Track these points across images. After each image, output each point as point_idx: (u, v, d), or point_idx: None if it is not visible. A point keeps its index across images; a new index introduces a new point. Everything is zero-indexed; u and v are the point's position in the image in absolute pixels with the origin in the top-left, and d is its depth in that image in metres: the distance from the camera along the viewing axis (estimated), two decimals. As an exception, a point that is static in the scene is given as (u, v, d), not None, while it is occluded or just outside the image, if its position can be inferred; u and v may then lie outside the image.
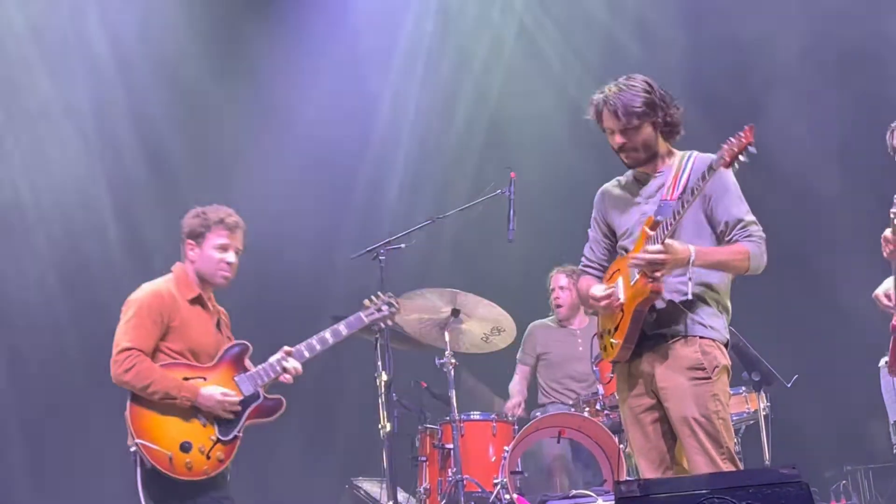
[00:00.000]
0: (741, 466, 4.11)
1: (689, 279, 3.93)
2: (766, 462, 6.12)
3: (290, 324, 7.50)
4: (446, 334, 6.31)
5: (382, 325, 5.38)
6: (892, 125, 4.90)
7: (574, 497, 5.87)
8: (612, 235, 4.33)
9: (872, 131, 5.04)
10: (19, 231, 8.25)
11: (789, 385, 6.36)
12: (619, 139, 4.11)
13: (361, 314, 5.23)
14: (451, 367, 6.20)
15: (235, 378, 4.86)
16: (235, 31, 9.10)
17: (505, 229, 6.05)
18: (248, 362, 4.94)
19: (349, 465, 7.67)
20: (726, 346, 4.12)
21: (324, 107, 9.13)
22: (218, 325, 5.01)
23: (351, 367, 7.85)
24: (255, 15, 9.17)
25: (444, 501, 6.11)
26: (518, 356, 7.31)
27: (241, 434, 4.79)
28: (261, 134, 9.07)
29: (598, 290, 4.19)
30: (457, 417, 6.12)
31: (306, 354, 5.01)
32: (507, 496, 5.93)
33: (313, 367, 8.33)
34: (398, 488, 6.03)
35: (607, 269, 4.32)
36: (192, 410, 4.71)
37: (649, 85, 4.11)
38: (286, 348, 4.98)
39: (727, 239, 4.06)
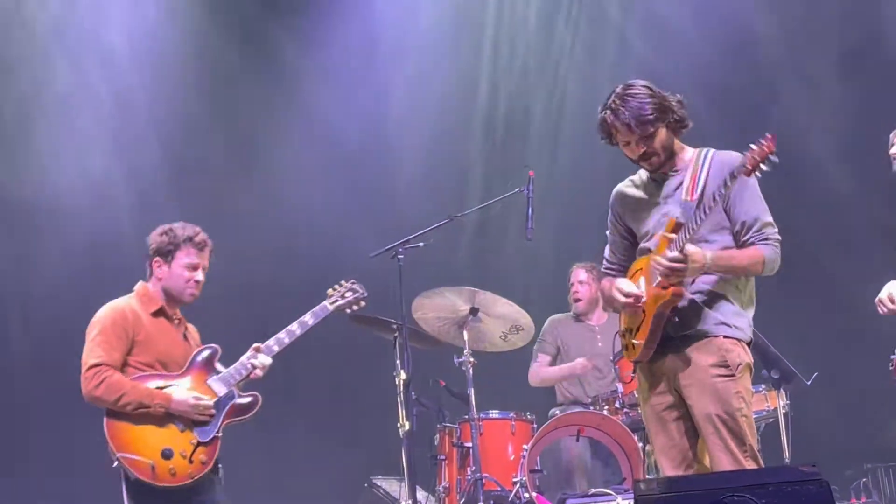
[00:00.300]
0: (762, 465, 4.10)
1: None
2: (786, 460, 6.10)
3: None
4: (465, 333, 6.32)
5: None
6: None
7: (593, 496, 5.86)
8: (630, 236, 4.33)
9: (887, 129, 5.01)
10: (39, 224, 8.30)
11: (809, 383, 6.33)
12: (639, 149, 4.10)
13: (326, 303, 5.28)
14: (469, 366, 6.21)
15: (208, 381, 4.90)
16: (258, 27, 9.15)
17: (523, 227, 6.04)
18: (218, 365, 4.97)
19: (368, 463, 7.66)
20: (749, 344, 4.12)
21: (342, 104, 9.16)
22: (185, 338, 5.04)
23: (370, 365, 7.85)
24: (277, 11, 9.21)
25: (463, 500, 6.11)
26: (536, 346, 7.21)
27: (220, 434, 4.81)
28: (280, 131, 9.12)
29: (624, 283, 4.18)
30: (475, 416, 6.12)
31: (275, 349, 5.05)
32: (527, 495, 5.93)
33: (331, 366, 8.44)
34: (417, 487, 6.03)
35: (629, 269, 4.31)
36: (169, 417, 4.73)
37: (650, 88, 4.11)
38: (256, 345, 5.03)
39: (743, 240, 4.07)
